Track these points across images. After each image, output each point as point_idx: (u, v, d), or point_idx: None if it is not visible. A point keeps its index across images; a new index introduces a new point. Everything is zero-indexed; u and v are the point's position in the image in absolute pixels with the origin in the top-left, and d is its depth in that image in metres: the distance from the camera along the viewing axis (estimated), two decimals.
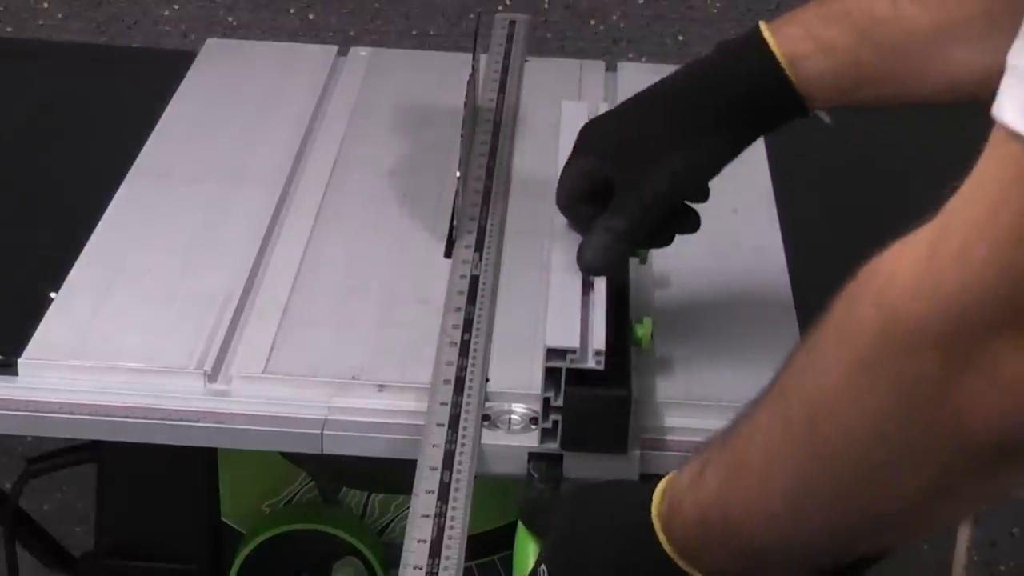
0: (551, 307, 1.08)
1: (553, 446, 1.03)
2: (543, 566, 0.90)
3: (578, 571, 0.89)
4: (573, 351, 1.03)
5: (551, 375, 1.03)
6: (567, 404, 1.03)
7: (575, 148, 1.12)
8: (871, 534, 0.78)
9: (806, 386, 0.74)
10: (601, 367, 1.03)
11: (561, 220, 1.22)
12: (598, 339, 1.04)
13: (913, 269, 0.67)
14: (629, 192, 1.08)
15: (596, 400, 1.03)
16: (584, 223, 1.11)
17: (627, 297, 1.16)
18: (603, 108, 1.35)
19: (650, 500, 0.85)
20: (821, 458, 0.74)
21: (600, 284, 1.10)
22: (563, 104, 1.29)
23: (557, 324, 1.05)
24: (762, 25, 1.07)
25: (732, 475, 0.80)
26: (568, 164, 1.12)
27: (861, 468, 0.73)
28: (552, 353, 1.03)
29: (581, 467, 1.03)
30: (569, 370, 1.03)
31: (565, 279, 1.10)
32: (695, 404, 1.08)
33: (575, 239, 1.13)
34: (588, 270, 1.10)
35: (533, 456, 1.03)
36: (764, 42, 1.06)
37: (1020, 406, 0.65)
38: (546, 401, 1.03)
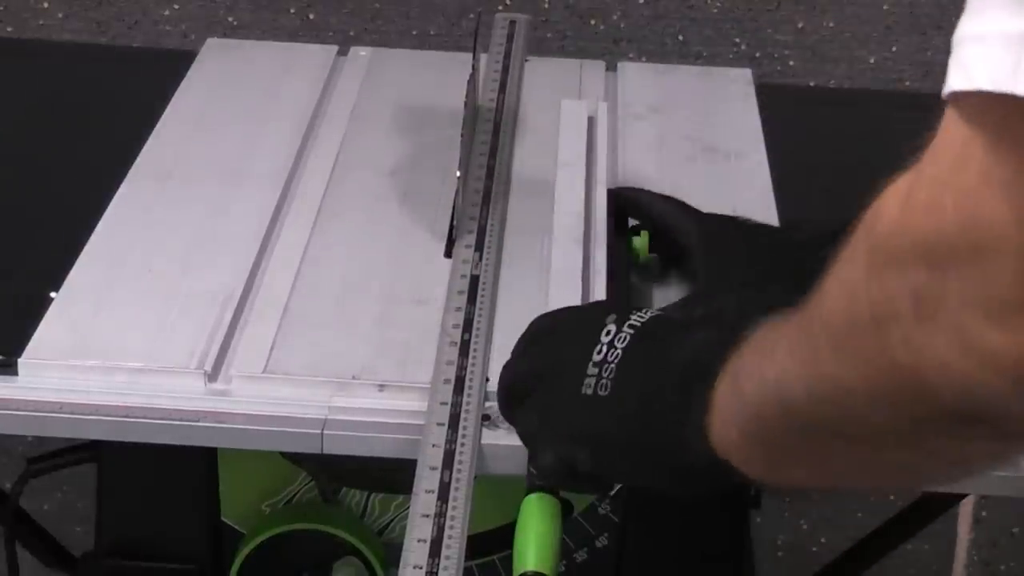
0: (550, 307, 1.08)
1: None
2: (629, 336, 0.91)
3: (649, 360, 0.90)
4: None
5: None
6: None
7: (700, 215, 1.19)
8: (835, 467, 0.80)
9: (818, 298, 0.76)
10: None
11: (561, 221, 1.22)
12: None
13: (892, 214, 0.69)
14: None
15: None
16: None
17: (627, 296, 1.16)
18: (602, 108, 1.35)
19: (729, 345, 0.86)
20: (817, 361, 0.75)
21: (599, 284, 1.10)
22: (562, 103, 1.29)
23: None
24: None
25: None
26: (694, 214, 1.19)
27: (837, 387, 0.73)
28: None
29: None
30: None
31: (565, 279, 1.10)
32: None
33: (575, 239, 1.13)
34: None
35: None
36: None
37: (980, 376, 0.66)
38: None
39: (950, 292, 0.65)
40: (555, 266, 1.13)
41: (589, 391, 0.91)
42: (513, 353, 1.00)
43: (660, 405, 0.88)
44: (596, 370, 0.91)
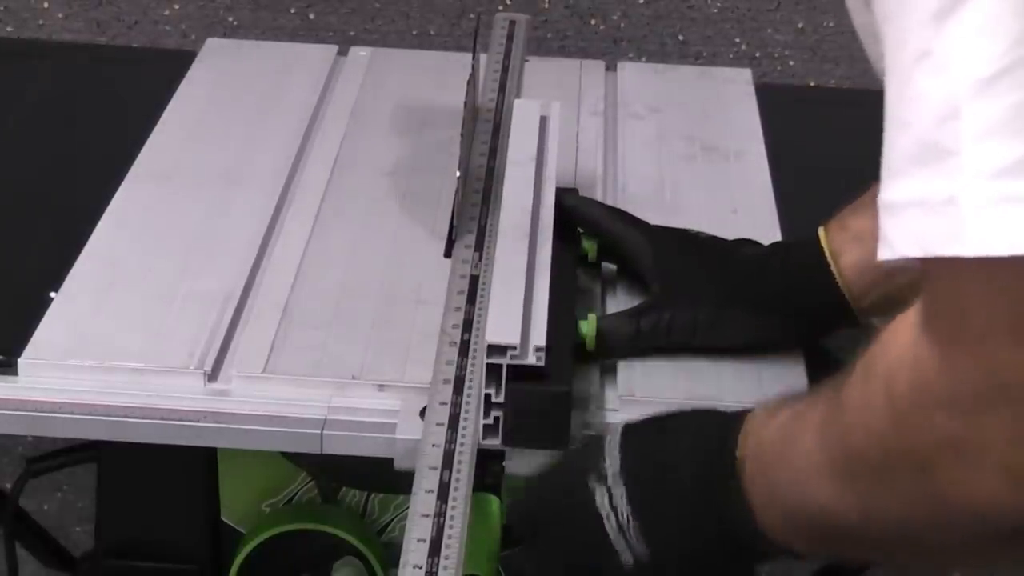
0: (492, 303, 1.07)
1: (495, 442, 1.03)
2: (622, 488, 0.90)
3: (656, 491, 0.90)
4: (513, 347, 1.01)
5: (492, 371, 1.02)
6: (508, 400, 1.02)
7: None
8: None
9: (841, 431, 0.77)
10: (542, 363, 1.01)
11: (508, 219, 1.21)
12: (539, 336, 1.03)
13: (905, 376, 0.70)
14: (661, 307, 1.12)
15: (536, 396, 1.02)
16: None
17: (573, 295, 1.16)
18: (555, 107, 1.34)
19: (736, 430, 0.87)
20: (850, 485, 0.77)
21: (543, 281, 1.10)
22: (515, 102, 1.29)
23: (498, 320, 1.04)
24: (820, 229, 1.14)
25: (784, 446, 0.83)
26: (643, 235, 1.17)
27: (889, 517, 0.75)
28: (492, 349, 1.02)
29: (523, 463, 1.03)
30: (510, 366, 1.02)
31: (508, 276, 1.10)
32: (640, 401, 1.08)
33: (521, 236, 1.14)
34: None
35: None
36: (818, 239, 1.13)
37: (1010, 496, 0.67)
38: (487, 397, 1.02)
39: (989, 436, 0.67)
40: (499, 263, 1.13)
41: (630, 560, 0.90)
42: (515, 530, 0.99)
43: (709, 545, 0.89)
44: (622, 539, 0.90)
